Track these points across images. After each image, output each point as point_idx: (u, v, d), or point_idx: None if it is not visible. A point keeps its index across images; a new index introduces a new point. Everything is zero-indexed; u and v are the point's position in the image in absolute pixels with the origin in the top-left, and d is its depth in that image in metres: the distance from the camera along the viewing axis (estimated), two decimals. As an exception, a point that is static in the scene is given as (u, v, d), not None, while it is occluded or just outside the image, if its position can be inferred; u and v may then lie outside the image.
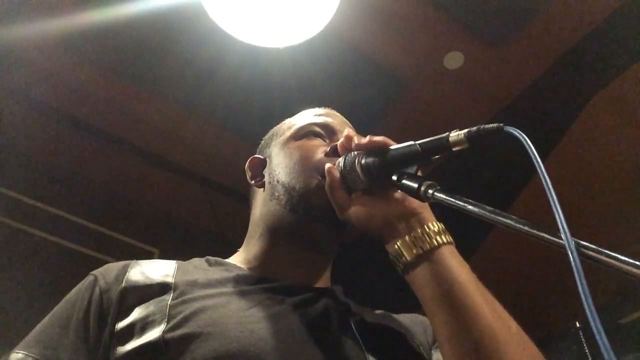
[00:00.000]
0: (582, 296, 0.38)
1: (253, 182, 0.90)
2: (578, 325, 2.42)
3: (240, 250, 0.87)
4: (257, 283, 0.74)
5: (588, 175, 2.57)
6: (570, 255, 0.41)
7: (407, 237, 0.63)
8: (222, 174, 2.80)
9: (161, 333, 0.61)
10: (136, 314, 0.65)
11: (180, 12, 2.03)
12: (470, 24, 2.18)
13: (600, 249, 0.42)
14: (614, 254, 0.41)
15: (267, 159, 0.89)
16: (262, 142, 0.95)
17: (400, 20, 2.17)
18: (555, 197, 0.44)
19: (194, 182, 2.85)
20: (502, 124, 0.54)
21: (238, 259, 0.84)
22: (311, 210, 0.76)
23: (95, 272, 0.73)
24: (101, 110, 2.51)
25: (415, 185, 0.61)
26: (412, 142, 0.64)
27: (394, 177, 0.65)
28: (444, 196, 0.58)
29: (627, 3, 2.10)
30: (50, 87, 2.37)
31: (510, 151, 2.16)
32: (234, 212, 2.77)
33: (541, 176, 0.47)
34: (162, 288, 0.68)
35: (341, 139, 0.78)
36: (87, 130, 2.56)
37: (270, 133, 0.94)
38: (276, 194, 0.80)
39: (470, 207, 0.55)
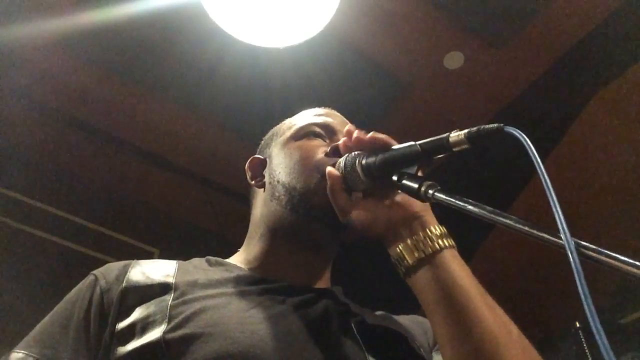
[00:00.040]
0: (582, 296, 0.38)
1: (253, 182, 0.90)
2: (578, 325, 2.42)
3: (241, 250, 0.87)
4: (257, 283, 0.74)
5: (588, 175, 2.57)
6: (570, 255, 0.41)
7: (409, 241, 0.63)
8: (222, 174, 2.80)
9: (162, 333, 0.61)
10: (137, 314, 0.65)
11: (180, 12, 2.03)
12: (470, 24, 2.18)
13: (600, 249, 0.42)
14: (613, 254, 0.41)
15: (267, 159, 0.89)
16: (262, 142, 0.95)
17: (401, 20, 2.17)
18: (555, 197, 0.44)
19: (194, 182, 2.85)
20: (502, 124, 0.54)
21: (238, 259, 0.84)
22: (312, 210, 0.76)
23: (95, 271, 0.73)
24: (101, 110, 2.51)
25: (416, 186, 0.61)
26: (412, 143, 0.64)
27: (394, 178, 0.65)
28: (444, 196, 0.58)
29: (627, 3, 2.10)
30: (50, 87, 2.37)
31: (510, 151, 2.16)
32: (234, 212, 2.77)
33: (541, 176, 0.47)
34: (162, 288, 0.68)
35: (342, 139, 0.78)
36: (87, 130, 2.56)
37: (270, 133, 0.94)
38: (276, 194, 0.80)
39: (470, 207, 0.55)
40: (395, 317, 0.83)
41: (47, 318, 0.69)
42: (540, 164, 0.48)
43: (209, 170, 2.82)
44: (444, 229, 0.65)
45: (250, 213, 0.90)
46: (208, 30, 2.00)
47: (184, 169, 2.80)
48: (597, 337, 0.36)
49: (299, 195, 0.77)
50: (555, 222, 0.44)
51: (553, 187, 0.45)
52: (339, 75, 2.33)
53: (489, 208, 0.53)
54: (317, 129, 0.85)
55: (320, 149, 0.81)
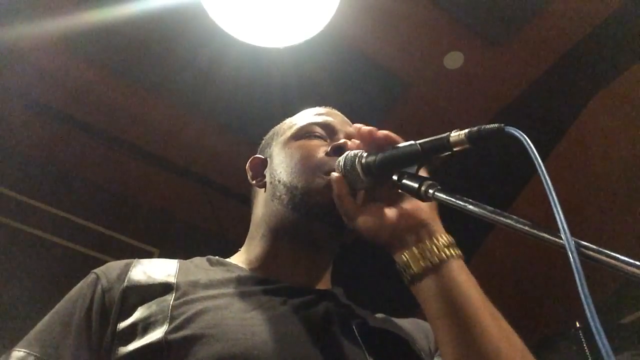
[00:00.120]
0: (582, 296, 0.38)
1: (254, 182, 0.89)
2: (578, 325, 2.42)
3: (242, 250, 0.87)
4: (258, 284, 0.74)
5: (588, 175, 2.57)
6: (570, 255, 0.41)
7: (415, 249, 0.63)
8: (222, 174, 2.81)
9: (163, 334, 0.61)
10: (138, 314, 0.65)
11: (180, 12, 2.03)
12: (470, 24, 2.19)
13: (600, 248, 0.42)
14: (614, 254, 0.41)
15: (268, 159, 0.89)
16: (263, 142, 0.95)
17: (401, 20, 2.17)
18: (555, 197, 0.44)
19: (194, 182, 2.85)
20: (502, 124, 0.54)
21: (239, 259, 0.83)
22: (313, 209, 0.76)
23: (97, 270, 0.73)
24: (101, 110, 2.51)
25: (416, 185, 0.61)
26: (412, 142, 0.64)
27: (395, 177, 0.65)
28: (444, 196, 0.59)
29: (627, 3, 2.10)
30: (50, 87, 2.37)
31: (510, 151, 2.16)
32: (234, 212, 2.77)
33: (541, 176, 0.47)
34: (164, 288, 0.68)
35: (342, 139, 0.78)
36: (87, 130, 2.56)
37: (270, 133, 0.94)
38: (277, 193, 0.80)
39: (470, 206, 0.55)
40: (396, 320, 0.83)
41: (48, 317, 0.69)
42: (541, 163, 0.48)
43: (209, 170, 2.82)
44: (451, 238, 0.65)
45: (251, 213, 0.90)
46: (208, 30, 2.00)
47: (184, 169, 2.80)
48: (597, 337, 0.36)
49: (300, 195, 0.77)
50: (556, 222, 0.44)
51: (553, 186, 0.45)
52: (339, 75, 2.33)
53: (489, 208, 0.53)
54: (318, 129, 0.85)
55: (321, 149, 0.81)
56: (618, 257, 0.41)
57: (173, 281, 0.70)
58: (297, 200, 0.77)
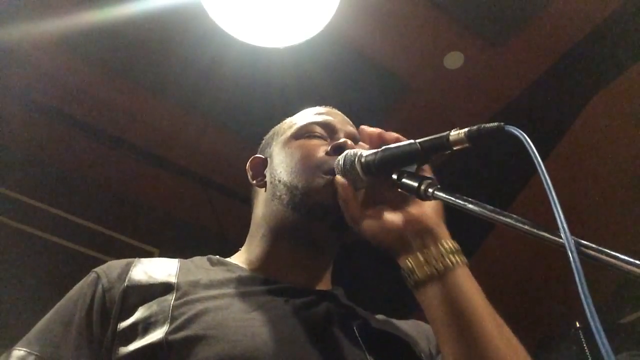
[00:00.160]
0: (582, 296, 0.38)
1: (254, 181, 0.89)
2: (578, 325, 2.42)
3: (242, 250, 0.87)
4: (259, 285, 0.74)
5: (588, 174, 2.57)
6: (570, 254, 0.41)
7: (419, 255, 0.63)
8: (222, 174, 2.81)
9: (164, 334, 0.61)
10: (139, 313, 0.65)
11: (180, 12, 2.03)
12: (470, 24, 2.19)
13: (600, 248, 0.42)
14: (614, 253, 0.41)
15: (268, 159, 0.89)
16: (263, 141, 0.95)
17: (401, 20, 2.17)
18: (555, 197, 0.44)
19: (194, 182, 2.85)
20: (502, 123, 0.54)
21: (240, 259, 0.83)
22: (313, 208, 0.76)
23: (97, 269, 0.72)
24: (101, 110, 2.51)
25: (415, 184, 0.61)
26: (412, 141, 0.64)
27: (394, 176, 0.65)
28: (444, 195, 0.58)
29: (627, 3, 2.10)
30: (50, 87, 2.37)
31: (510, 150, 2.16)
32: (234, 212, 2.77)
33: (541, 175, 0.47)
34: (164, 288, 0.68)
35: (342, 139, 0.78)
36: (87, 130, 2.56)
37: (271, 132, 0.94)
38: (278, 193, 0.80)
39: (470, 206, 0.55)
40: (397, 322, 0.83)
41: (48, 316, 0.69)
42: (541, 162, 0.48)
43: (209, 170, 2.82)
44: (456, 245, 0.64)
45: (252, 213, 0.90)
46: (208, 30, 2.00)
47: (184, 169, 2.80)
48: (597, 336, 0.36)
49: (301, 195, 0.77)
50: (556, 222, 0.44)
51: (553, 186, 0.45)
52: (339, 75, 2.33)
53: (489, 207, 0.53)
54: (318, 128, 0.85)
55: (321, 148, 0.81)
56: (618, 256, 0.41)
57: (174, 281, 0.70)
58: (298, 200, 0.77)
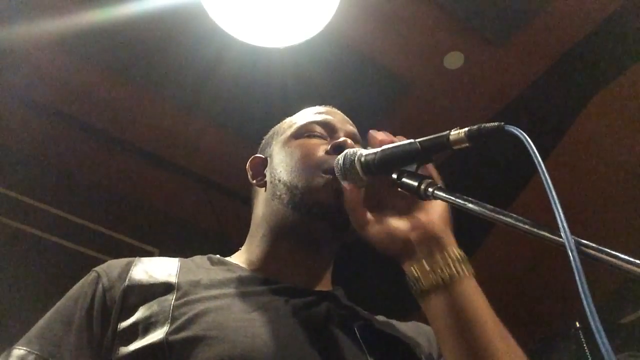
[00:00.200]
0: (582, 296, 0.38)
1: (254, 181, 0.89)
2: (578, 325, 2.42)
3: (242, 250, 0.87)
4: (259, 285, 0.73)
5: (588, 174, 2.57)
6: (570, 254, 0.41)
7: (425, 262, 0.62)
8: (222, 174, 2.80)
9: (164, 335, 0.61)
10: (139, 313, 0.65)
11: (180, 12, 2.03)
12: (470, 24, 2.18)
13: (600, 247, 0.42)
14: (614, 253, 0.41)
15: (268, 158, 0.89)
16: (263, 141, 0.95)
17: (401, 20, 2.17)
18: (555, 196, 0.44)
19: (194, 182, 2.85)
20: (502, 123, 0.54)
21: (240, 259, 0.83)
22: (313, 208, 0.76)
23: (97, 268, 0.72)
24: (101, 110, 2.51)
25: (415, 184, 0.61)
26: (412, 140, 0.64)
27: (394, 176, 0.65)
28: (444, 194, 0.58)
29: (627, 3, 2.10)
30: (50, 87, 2.37)
31: (510, 150, 2.16)
32: (234, 212, 2.77)
33: (542, 175, 0.47)
34: (165, 288, 0.68)
35: (342, 138, 0.78)
36: (87, 130, 2.56)
37: (271, 132, 0.94)
38: (278, 192, 0.80)
39: (470, 205, 0.55)
40: (398, 323, 0.83)
41: (48, 315, 0.69)
42: (541, 162, 0.48)
43: (209, 170, 2.82)
44: (463, 254, 0.64)
45: (252, 212, 0.90)
46: (208, 30, 2.00)
47: (184, 169, 2.80)
48: (597, 336, 0.36)
49: (301, 194, 0.77)
50: (556, 221, 0.44)
51: (553, 186, 0.45)
52: (339, 75, 2.33)
53: (489, 206, 0.53)
54: (318, 127, 0.85)
55: (321, 147, 0.81)
56: (618, 256, 0.41)
57: (174, 281, 0.69)
58: (298, 199, 0.77)
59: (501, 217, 0.51)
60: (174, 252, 0.82)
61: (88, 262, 2.54)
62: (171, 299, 0.66)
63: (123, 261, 0.74)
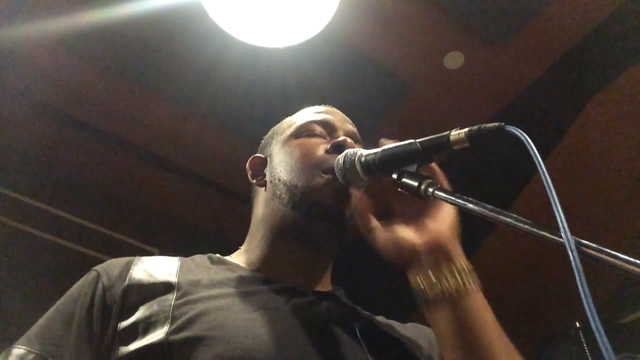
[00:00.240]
0: (582, 296, 0.38)
1: (254, 181, 0.89)
2: (578, 325, 2.42)
3: (242, 249, 0.87)
4: (259, 284, 0.73)
5: (588, 175, 2.57)
6: (570, 254, 0.41)
7: (430, 273, 0.62)
8: (222, 174, 2.80)
9: (165, 335, 0.60)
10: (139, 313, 0.64)
11: (180, 12, 2.03)
12: (470, 24, 2.18)
13: (600, 247, 0.42)
14: (614, 253, 0.41)
15: (267, 158, 0.89)
16: (263, 141, 0.95)
17: (401, 20, 2.17)
18: (555, 196, 0.44)
19: (194, 182, 2.85)
20: (503, 123, 0.54)
21: (240, 259, 0.83)
22: (313, 208, 0.76)
23: (97, 268, 0.72)
24: (101, 111, 2.51)
25: (416, 184, 0.61)
26: (412, 140, 0.64)
27: (394, 176, 0.65)
28: (444, 194, 0.58)
29: (627, 3, 2.10)
30: (50, 87, 2.37)
31: (510, 151, 2.16)
32: (234, 212, 2.77)
33: (542, 175, 0.47)
34: (165, 287, 0.68)
35: (341, 137, 0.78)
36: (87, 130, 2.56)
37: (270, 132, 0.94)
38: (278, 192, 0.80)
39: (470, 205, 0.55)
40: (397, 324, 0.83)
41: (48, 314, 0.69)
42: (541, 162, 0.48)
43: (209, 170, 2.82)
44: (470, 266, 0.63)
45: (251, 212, 0.90)
46: (208, 30, 2.00)
47: (184, 169, 2.80)
48: (597, 336, 0.36)
49: (301, 194, 0.77)
50: (556, 221, 0.44)
51: (553, 186, 0.45)
52: (339, 75, 2.33)
53: (489, 206, 0.53)
54: (317, 127, 0.85)
55: (320, 147, 0.81)
56: (618, 256, 0.41)
57: (174, 280, 0.69)
58: (297, 199, 0.77)
59: (501, 217, 0.51)
60: (174, 252, 0.82)
61: (88, 262, 2.53)
62: (171, 298, 0.66)
63: (123, 260, 0.74)
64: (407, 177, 0.63)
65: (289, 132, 0.86)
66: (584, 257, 0.42)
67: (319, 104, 0.93)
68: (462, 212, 0.56)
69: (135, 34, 2.16)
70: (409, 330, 0.81)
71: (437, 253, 0.62)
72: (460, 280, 0.60)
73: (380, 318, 0.83)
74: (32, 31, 2.12)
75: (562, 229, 0.43)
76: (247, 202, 0.93)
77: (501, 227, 0.52)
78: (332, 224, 0.77)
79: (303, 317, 0.67)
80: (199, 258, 0.80)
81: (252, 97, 2.38)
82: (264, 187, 0.86)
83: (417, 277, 0.62)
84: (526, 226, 0.49)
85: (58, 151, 2.62)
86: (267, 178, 0.86)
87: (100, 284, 0.69)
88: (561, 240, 0.43)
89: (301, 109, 0.94)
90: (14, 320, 2.08)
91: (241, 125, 2.51)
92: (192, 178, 2.83)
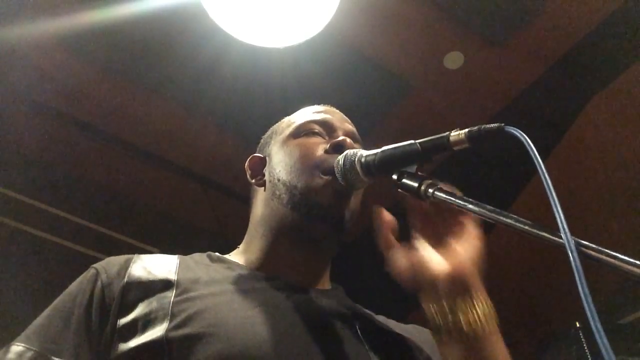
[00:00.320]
0: (582, 296, 0.38)
1: (253, 180, 0.89)
2: (578, 325, 2.42)
3: (241, 248, 0.87)
4: (259, 282, 0.74)
5: (588, 174, 2.57)
6: (570, 254, 0.41)
7: (445, 304, 0.59)
8: (222, 174, 2.80)
9: (164, 331, 0.60)
10: (138, 310, 0.64)
11: (180, 12, 2.03)
12: (470, 24, 2.18)
13: (600, 248, 0.42)
14: (614, 253, 0.42)
15: (267, 158, 0.89)
16: (262, 140, 0.95)
17: (401, 20, 2.17)
18: (555, 197, 0.44)
19: (194, 182, 2.85)
20: (502, 124, 0.54)
21: (239, 258, 0.83)
22: (313, 209, 0.76)
23: (96, 265, 0.72)
24: (101, 111, 2.50)
25: (416, 184, 0.61)
26: (412, 141, 0.64)
27: (394, 176, 0.65)
28: (444, 195, 0.58)
29: (627, 3, 2.10)
30: (50, 87, 2.37)
31: (510, 151, 2.16)
32: (234, 212, 2.77)
33: (542, 176, 0.47)
34: (164, 284, 0.68)
35: (341, 137, 0.78)
36: (87, 130, 2.56)
37: (269, 131, 0.94)
38: (277, 192, 0.80)
39: (470, 206, 0.55)
40: (397, 324, 0.83)
41: (47, 311, 0.69)
42: (541, 163, 0.48)
43: (209, 170, 2.82)
44: (489, 304, 0.59)
45: (250, 211, 0.90)
46: (208, 30, 2.00)
47: (184, 169, 2.79)
48: (596, 336, 0.36)
49: (300, 194, 0.77)
50: (556, 222, 0.44)
51: (553, 186, 0.45)
52: (339, 75, 2.33)
53: (489, 207, 0.53)
54: (317, 126, 0.85)
55: (320, 147, 0.81)
56: (618, 256, 0.41)
57: (174, 278, 0.69)
58: (297, 199, 0.77)
59: (501, 217, 0.51)
60: (174, 252, 0.83)
61: (88, 262, 2.52)
62: (170, 295, 0.66)
63: (122, 258, 0.74)
64: (407, 178, 0.63)
65: (288, 132, 0.86)
66: (583, 257, 0.42)
67: (319, 104, 0.93)
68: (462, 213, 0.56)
69: (135, 34, 2.16)
70: (409, 330, 0.81)
71: (456, 285, 0.59)
72: (476, 318, 0.57)
73: (381, 317, 0.83)
74: (32, 31, 2.12)
75: (561, 230, 0.43)
76: (247, 202, 0.93)
77: (501, 228, 0.52)
78: (332, 225, 0.77)
79: (303, 313, 0.67)
80: (198, 256, 0.80)
81: (252, 97, 2.38)
82: (263, 187, 0.86)
83: (431, 306, 0.60)
84: (526, 227, 0.49)
85: (58, 151, 2.62)
86: (266, 178, 0.85)
87: (99, 282, 0.69)
88: (561, 240, 0.43)
89: (301, 109, 0.93)
90: (14, 320, 2.08)
91: (241, 125, 2.51)
92: (192, 178, 2.83)
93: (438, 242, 0.63)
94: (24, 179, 2.53)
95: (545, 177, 0.46)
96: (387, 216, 0.66)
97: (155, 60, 2.29)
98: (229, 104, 2.46)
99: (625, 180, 2.56)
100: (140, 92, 2.44)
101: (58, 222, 2.60)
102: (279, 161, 0.83)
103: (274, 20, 1.84)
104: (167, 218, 2.98)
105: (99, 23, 2.06)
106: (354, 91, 2.38)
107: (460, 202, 0.56)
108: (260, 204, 0.85)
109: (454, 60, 2.32)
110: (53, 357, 0.62)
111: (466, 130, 0.57)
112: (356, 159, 0.69)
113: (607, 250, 0.42)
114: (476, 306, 0.58)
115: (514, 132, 0.51)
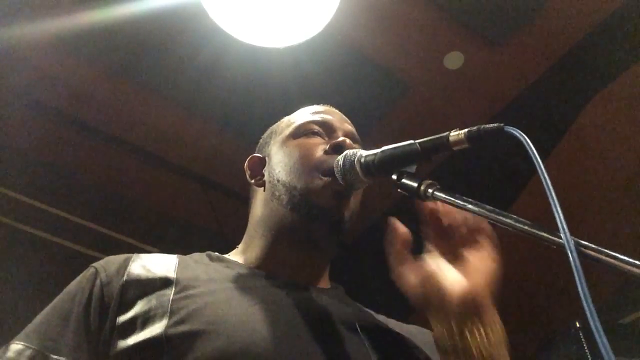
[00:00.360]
0: (582, 296, 0.38)
1: (253, 181, 0.89)
2: (578, 325, 2.41)
3: (240, 248, 0.87)
4: (259, 280, 0.74)
5: (588, 175, 2.57)
6: (570, 254, 0.41)
7: (454, 325, 0.58)
8: (222, 174, 2.80)
9: (164, 329, 0.61)
10: (138, 307, 0.65)
11: (180, 12, 2.03)
12: (470, 24, 2.18)
13: (600, 248, 0.42)
14: (613, 253, 0.42)
15: (266, 158, 0.89)
16: (261, 140, 0.95)
17: (401, 20, 2.17)
18: (555, 197, 0.44)
19: (194, 182, 2.85)
20: (502, 124, 0.54)
21: (238, 257, 0.83)
22: (312, 210, 0.76)
23: (95, 264, 0.73)
24: (101, 110, 2.50)
25: (415, 185, 0.61)
26: (411, 141, 0.64)
27: (394, 177, 0.65)
28: (444, 195, 0.58)
29: (627, 3, 2.10)
30: (50, 87, 2.37)
31: (510, 151, 2.16)
32: (234, 212, 2.77)
33: (541, 176, 0.47)
34: (163, 282, 0.68)
35: (341, 137, 0.78)
36: (87, 130, 2.56)
37: (269, 131, 0.94)
38: (277, 193, 0.80)
39: (470, 206, 0.55)
40: (398, 323, 0.83)
41: (46, 310, 0.69)
42: (541, 163, 0.48)
43: (209, 170, 2.82)
44: (501, 331, 0.58)
45: (249, 211, 0.90)
46: (208, 30, 2.00)
47: (184, 169, 2.79)
48: (596, 336, 0.36)
49: (300, 195, 0.77)
50: (555, 222, 0.44)
51: (553, 187, 0.45)
52: (339, 75, 2.33)
53: (488, 207, 0.53)
54: (316, 127, 0.85)
55: (319, 147, 0.81)
56: (618, 257, 0.41)
57: (173, 276, 0.70)
58: (297, 200, 0.77)
59: (501, 217, 0.51)
60: (173, 252, 0.83)
61: (88, 261, 2.53)
62: (170, 293, 0.66)
63: (121, 257, 0.74)
64: (407, 178, 0.63)
65: (287, 132, 0.86)
66: (583, 257, 0.42)
67: (319, 104, 0.93)
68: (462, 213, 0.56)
69: (135, 34, 2.16)
70: (410, 330, 0.81)
71: (467, 307, 0.58)
72: (486, 345, 0.56)
73: (381, 317, 0.83)
74: (32, 31, 2.12)
75: (561, 230, 0.43)
76: (247, 202, 0.93)
77: (501, 227, 0.52)
78: (331, 226, 0.77)
79: (303, 311, 0.67)
80: (198, 255, 0.80)
81: (252, 97, 2.38)
82: (262, 187, 0.86)
83: (439, 324, 0.59)
84: (526, 227, 0.49)
85: (58, 151, 2.62)
86: (266, 178, 0.85)
87: (98, 280, 0.69)
88: (561, 241, 0.43)
89: (301, 108, 0.93)
90: (14, 320, 2.08)
91: (241, 125, 2.51)
92: (192, 178, 2.83)
93: (453, 256, 0.62)
94: (24, 179, 2.53)
95: (544, 177, 0.46)
96: (402, 228, 0.65)
97: (155, 60, 2.29)
98: (229, 104, 2.46)
99: (625, 180, 2.56)
100: (140, 92, 2.44)
101: (58, 222, 2.60)
102: (279, 162, 0.83)
103: (274, 20, 1.84)
104: (166, 218, 2.98)
105: (99, 23, 2.06)
106: (354, 91, 2.38)
107: (459, 202, 0.56)
108: (260, 204, 0.85)
109: (453, 60, 2.32)
110: (52, 355, 0.62)
111: (466, 130, 0.57)
112: (356, 160, 0.69)
113: (606, 250, 0.42)
114: (487, 331, 0.57)
115: (514, 132, 0.51)
